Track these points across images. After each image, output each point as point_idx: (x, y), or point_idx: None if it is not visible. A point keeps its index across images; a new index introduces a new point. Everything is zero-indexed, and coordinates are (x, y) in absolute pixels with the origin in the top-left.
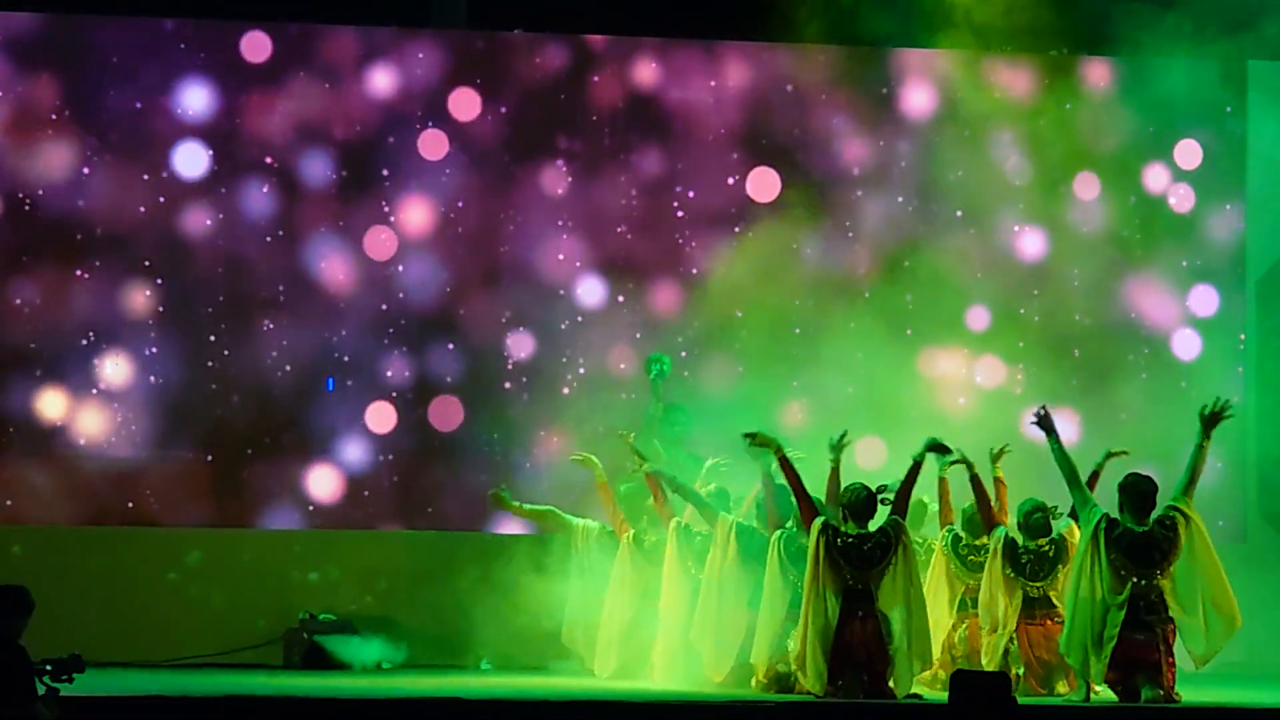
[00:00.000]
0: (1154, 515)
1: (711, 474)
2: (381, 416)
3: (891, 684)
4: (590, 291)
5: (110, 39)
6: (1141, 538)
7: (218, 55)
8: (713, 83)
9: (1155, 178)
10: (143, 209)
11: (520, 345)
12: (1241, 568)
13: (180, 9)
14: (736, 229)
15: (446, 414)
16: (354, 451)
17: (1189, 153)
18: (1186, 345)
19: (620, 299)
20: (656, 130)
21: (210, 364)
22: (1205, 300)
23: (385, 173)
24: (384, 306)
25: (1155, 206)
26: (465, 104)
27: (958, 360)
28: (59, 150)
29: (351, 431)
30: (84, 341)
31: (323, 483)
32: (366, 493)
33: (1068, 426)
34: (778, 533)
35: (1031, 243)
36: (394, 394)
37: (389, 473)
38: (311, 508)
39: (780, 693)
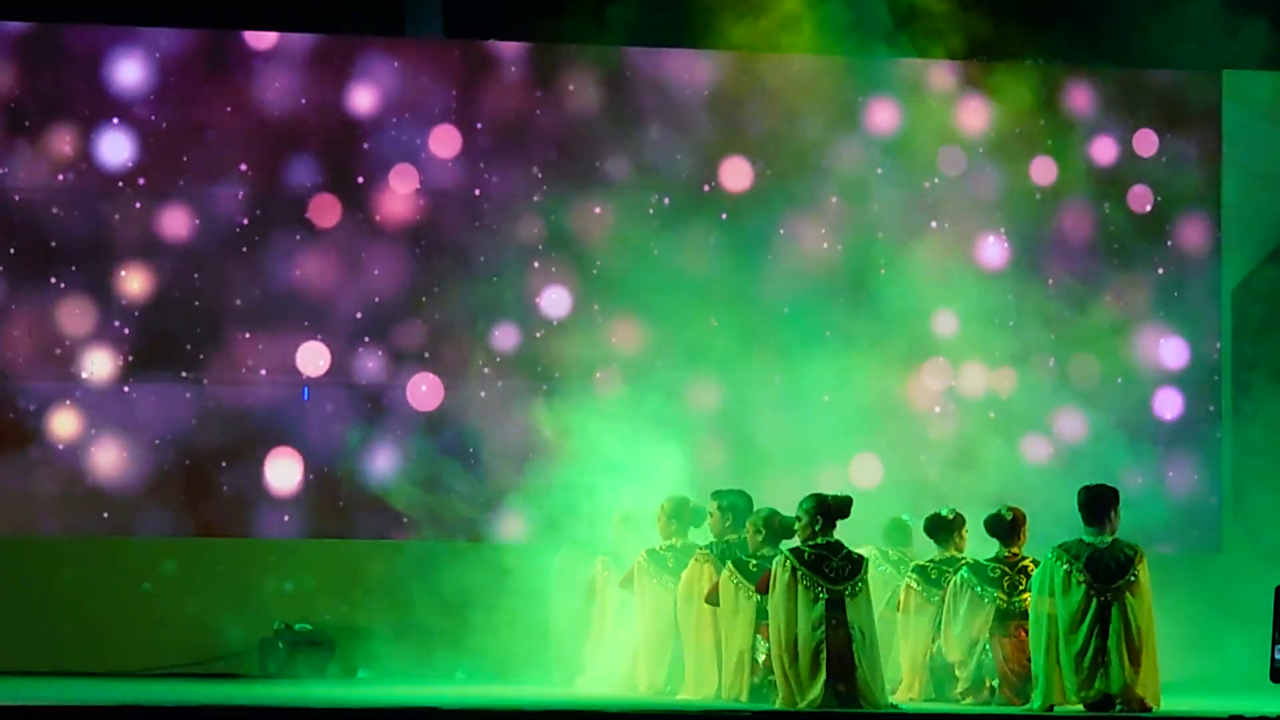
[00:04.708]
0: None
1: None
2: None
3: (866, 695)
4: (557, 303)
5: (82, 41)
6: (1097, 552)
7: (192, 64)
8: (688, 88)
9: (1129, 186)
10: (116, 215)
11: (500, 345)
12: (1216, 578)
13: (155, 17)
14: (710, 236)
15: (424, 396)
16: (330, 459)
17: (1163, 160)
18: (1162, 354)
19: (595, 308)
20: (634, 135)
21: (186, 373)
22: (1179, 310)
23: (360, 180)
24: (358, 315)
25: (1129, 214)
26: (441, 112)
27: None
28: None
29: (328, 439)
30: (57, 350)
31: (295, 487)
32: (342, 502)
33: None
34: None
35: (1004, 250)
36: (370, 399)
37: (365, 480)
38: (286, 517)
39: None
